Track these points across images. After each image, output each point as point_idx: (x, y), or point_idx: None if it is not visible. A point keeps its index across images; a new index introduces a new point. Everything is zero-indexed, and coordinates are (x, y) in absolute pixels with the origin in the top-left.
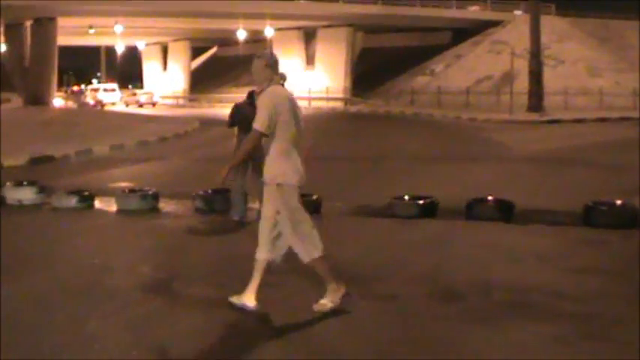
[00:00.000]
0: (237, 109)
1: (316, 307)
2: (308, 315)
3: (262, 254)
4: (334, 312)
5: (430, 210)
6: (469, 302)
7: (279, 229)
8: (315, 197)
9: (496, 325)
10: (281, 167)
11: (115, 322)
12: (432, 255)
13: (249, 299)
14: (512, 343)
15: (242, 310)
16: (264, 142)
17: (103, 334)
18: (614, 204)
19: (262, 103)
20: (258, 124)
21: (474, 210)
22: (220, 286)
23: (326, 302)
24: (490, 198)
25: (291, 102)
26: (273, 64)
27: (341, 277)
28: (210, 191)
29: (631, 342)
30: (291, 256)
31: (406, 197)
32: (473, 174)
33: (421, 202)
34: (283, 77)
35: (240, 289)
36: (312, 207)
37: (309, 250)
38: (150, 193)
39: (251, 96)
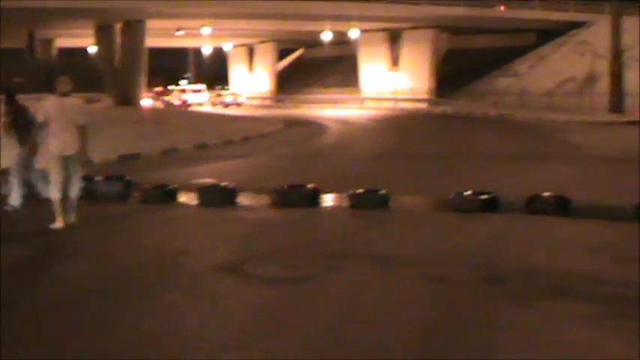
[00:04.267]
0: None
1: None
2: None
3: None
4: (389, 286)
5: (491, 205)
6: (512, 285)
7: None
8: (383, 192)
9: (532, 304)
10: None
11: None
12: (486, 244)
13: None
14: (542, 320)
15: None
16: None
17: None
18: None
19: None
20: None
21: (532, 205)
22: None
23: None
24: (547, 194)
25: (61, 104)
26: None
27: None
28: (285, 186)
29: None
30: None
31: (468, 192)
32: (540, 172)
33: (482, 197)
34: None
35: (305, 269)
36: (381, 201)
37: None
38: (229, 187)
39: None
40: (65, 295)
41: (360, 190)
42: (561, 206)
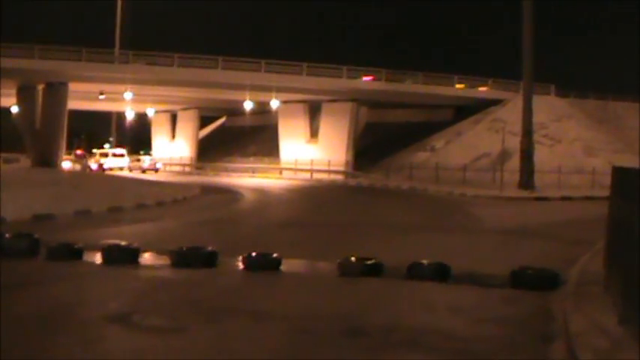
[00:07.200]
0: None
1: None
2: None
3: None
4: (256, 336)
5: (375, 270)
6: (372, 338)
7: None
8: (275, 255)
9: (382, 354)
10: None
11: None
12: (361, 304)
13: None
14: None
15: None
16: None
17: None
18: (536, 269)
19: None
20: None
21: (413, 271)
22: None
23: None
24: (427, 261)
25: None
26: None
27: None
28: (184, 248)
29: None
30: None
31: (353, 258)
32: (434, 241)
33: (368, 262)
34: None
35: (186, 321)
36: (273, 264)
37: None
38: (131, 247)
39: None
40: None
41: (254, 254)
42: (440, 272)
